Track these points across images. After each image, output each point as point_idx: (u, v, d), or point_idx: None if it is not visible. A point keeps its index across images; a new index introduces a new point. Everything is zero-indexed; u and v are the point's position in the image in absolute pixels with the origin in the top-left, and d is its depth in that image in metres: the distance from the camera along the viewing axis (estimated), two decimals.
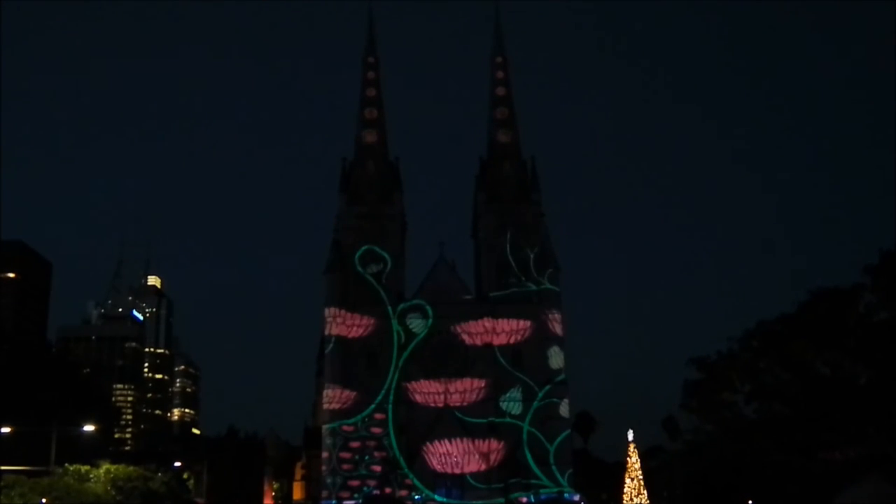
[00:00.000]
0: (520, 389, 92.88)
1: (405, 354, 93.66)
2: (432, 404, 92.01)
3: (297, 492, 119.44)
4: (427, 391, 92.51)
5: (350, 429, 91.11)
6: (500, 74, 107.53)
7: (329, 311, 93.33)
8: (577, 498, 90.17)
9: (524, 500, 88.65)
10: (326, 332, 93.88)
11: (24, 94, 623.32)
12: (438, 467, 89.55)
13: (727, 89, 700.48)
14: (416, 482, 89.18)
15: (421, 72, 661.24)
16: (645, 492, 71.46)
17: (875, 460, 42.95)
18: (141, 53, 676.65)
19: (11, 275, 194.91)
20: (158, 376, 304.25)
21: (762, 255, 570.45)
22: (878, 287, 48.80)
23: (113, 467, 67.34)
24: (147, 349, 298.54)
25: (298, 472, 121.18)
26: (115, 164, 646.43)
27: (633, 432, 74.26)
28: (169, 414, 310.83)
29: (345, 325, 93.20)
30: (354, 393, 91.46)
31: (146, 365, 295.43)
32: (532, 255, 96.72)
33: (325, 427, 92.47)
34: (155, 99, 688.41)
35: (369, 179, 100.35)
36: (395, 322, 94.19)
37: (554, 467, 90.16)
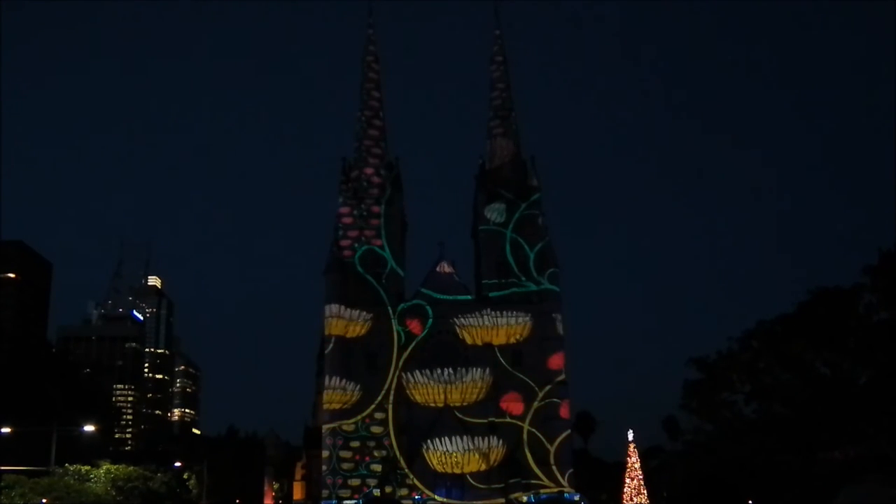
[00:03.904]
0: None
1: (405, 354, 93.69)
2: (432, 404, 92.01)
3: (297, 492, 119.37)
4: (427, 391, 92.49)
5: (350, 429, 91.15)
6: (499, 75, 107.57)
7: (329, 311, 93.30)
8: (576, 497, 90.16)
9: (524, 499, 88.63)
10: (326, 332, 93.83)
11: (25, 95, 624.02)
12: (438, 467, 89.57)
13: (727, 89, 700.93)
14: (417, 482, 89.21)
15: (421, 72, 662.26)
16: (645, 492, 71.39)
17: (875, 460, 42.93)
18: (141, 54, 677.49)
19: (11, 275, 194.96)
20: (158, 376, 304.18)
21: (762, 254, 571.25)
22: (878, 287, 48.72)
23: (113, 467, 67.43)
24: (147, 349, 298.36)
25: (298, 472, 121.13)
26: (115, 164, 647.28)
27: (633, 432, 74.31)
28: (169, 414, 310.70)
29: (345, 325, 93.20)
30: (354, 393, 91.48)
31: (146, 365, 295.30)
32: (532, 255, 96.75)
33: (325, 427, 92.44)
34: (155, 99, 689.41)
35: (369, 179, 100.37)
36: (395, 322, 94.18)
37: (554, 467, 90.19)
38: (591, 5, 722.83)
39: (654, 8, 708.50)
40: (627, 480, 72.05)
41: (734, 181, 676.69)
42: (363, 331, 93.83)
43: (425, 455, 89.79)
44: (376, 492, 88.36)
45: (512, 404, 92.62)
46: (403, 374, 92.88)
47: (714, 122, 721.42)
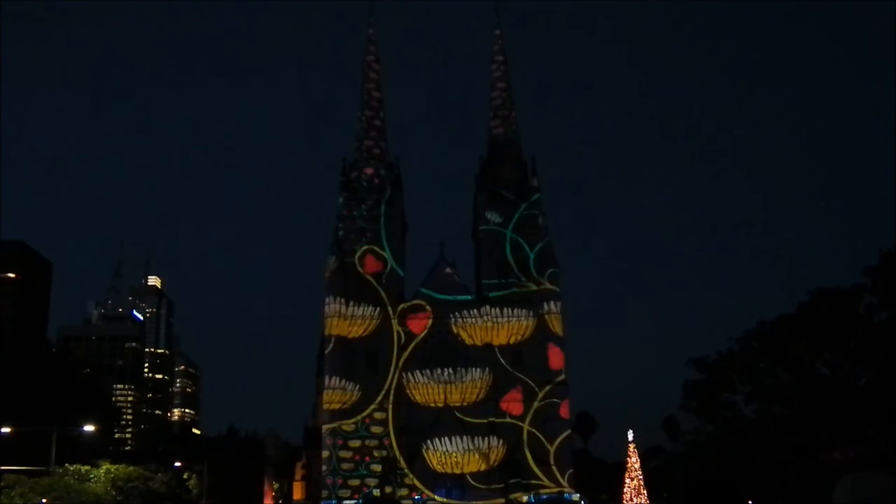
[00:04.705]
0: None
1: (405, 354, 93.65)
2: (432, 404, 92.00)
3: (297, 492, 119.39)
4: (427, 391, 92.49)
5: (350, 429, 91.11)
6: (499, 74, 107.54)
7: (329, 311, 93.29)
8: (576, 497, 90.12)
9: (524, 500, 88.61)
10: (326, 332, 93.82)
11: (26, 96, 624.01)
12: (438, 467, 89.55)
13: (726, 90, 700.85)
14: (417, 482, 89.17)
15: (421, 72, 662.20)
16: (645, 492, 71.30)
17: (875, 461, 42.86)
18: (140, 55, 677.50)
19: (11, 275, 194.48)
20: (158, 376, 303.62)
21: (762, 255, 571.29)
22: (878, 287, 48.67)
23: (113, 467, 67.36)
24: (147, 349, 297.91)
25: (298, 472, 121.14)
26: (115, 164, 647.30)
27: (633, 432, 74.24)
28: (169, 414, 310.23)
29: (345, 325, 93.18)
30: (354, 393, 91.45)
31: (146, 365, 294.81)
32: (532, 255, 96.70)
33: (325, 427, 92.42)
34: (155, 100, 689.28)
35: (370, 179, 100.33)
36: (395, 322, 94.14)
37: (554, 467, 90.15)
38: (593, 5, 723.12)
39: (654, 9, 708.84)
40: (627, 481, 71.96)
41: (735, 182, 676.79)
42: (363, 331, 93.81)
43: (425, 455, 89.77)
44: (376, 492, 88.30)
45: (512, 404, 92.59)
46: (403, 374, 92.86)
47: (716, 123, 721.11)
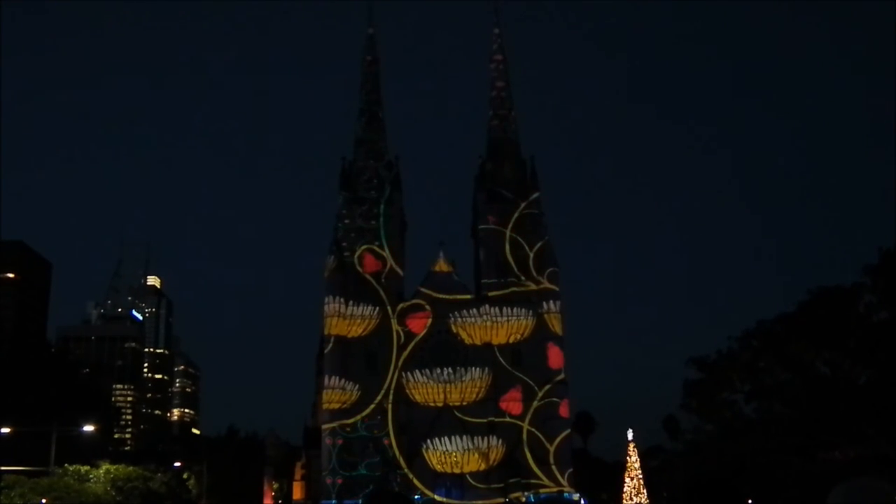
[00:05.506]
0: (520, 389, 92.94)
1: (405, 354, 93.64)
2: (432, 404, 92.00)
3: (297, 492, 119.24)
4: (426, 391, 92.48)
5: (350, 429, 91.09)
6: (499, 74, 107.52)
7: (329, 311, 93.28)
8: (576, 497, 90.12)
9: (524, 499, 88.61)
10: (326, 332, 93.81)
11: (26, 96, 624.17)
12: (438, 467, 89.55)
13: (726, 89, 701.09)
14: (416, 482, 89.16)
15: (421, 71, 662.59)
16: (645, 491, 71.33)
17: (875, 460, 42.85)
18: (140, 54, 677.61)
19: (11, 275, 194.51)
20: (158, 376, 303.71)
21: (762, 254, 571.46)
22: (879, 287, 48.62)
23: (113, 467, 67.40)
24: (147, 349, 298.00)
25: (298, 472, 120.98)
26: (115, 164, 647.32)
27: (633, 432, 74.26)
28: (169, 414, 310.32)
29: (344, 324, 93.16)
30: (354, 393, 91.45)
31: (146, 365, 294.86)
32: (532, 255, 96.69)
33: (324, 427, 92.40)
34: (155, 100, 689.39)
35: (370, 179, 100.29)
36: (394, 321, 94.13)
37: (553, 467, 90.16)
38: (592, 6, 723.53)
39: (653, 9, 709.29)
40: (627, 480, 71.99)
41: (735, 181, 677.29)
42: (363, 330, 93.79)
43: (425, 455, 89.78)
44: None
45: (511, 404, 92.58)
46: (403, 374, 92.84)
47: (716, 121, 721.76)
